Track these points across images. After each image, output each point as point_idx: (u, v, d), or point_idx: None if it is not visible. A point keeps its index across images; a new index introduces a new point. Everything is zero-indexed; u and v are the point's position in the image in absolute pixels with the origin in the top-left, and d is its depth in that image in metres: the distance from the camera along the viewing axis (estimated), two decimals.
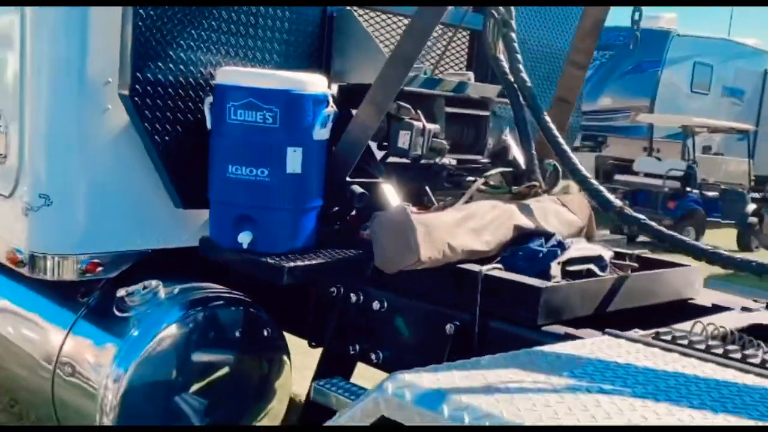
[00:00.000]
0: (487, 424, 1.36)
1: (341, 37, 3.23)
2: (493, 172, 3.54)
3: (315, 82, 2.82)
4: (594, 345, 2.09)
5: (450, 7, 3.24)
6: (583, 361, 1.86)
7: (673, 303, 3.06)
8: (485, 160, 3.71)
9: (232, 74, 2.82)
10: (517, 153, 3.57)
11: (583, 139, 18.39)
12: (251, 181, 2.73)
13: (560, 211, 3.25)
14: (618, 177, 13.80)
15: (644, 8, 3.74)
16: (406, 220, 2.65)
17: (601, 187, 3.06)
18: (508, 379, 1.62)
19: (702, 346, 2.24)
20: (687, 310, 3.00)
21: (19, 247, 3.04)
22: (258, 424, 3.26)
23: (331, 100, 2.87)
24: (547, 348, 2.01)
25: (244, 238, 2.76)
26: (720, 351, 2.21)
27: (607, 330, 2.37)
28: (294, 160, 2.72)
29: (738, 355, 2.19)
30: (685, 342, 2.28)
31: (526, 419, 1.38)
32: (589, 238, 3.44)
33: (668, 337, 2.33)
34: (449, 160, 3.57)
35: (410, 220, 2.64)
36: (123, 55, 2.79)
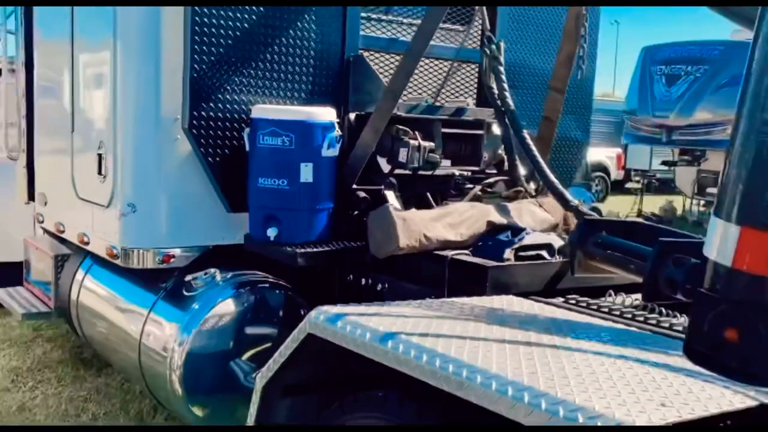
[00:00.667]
0: (358, 331, 2.15)
1: (356, 76, 4.08)
2: (490, 180, 4.30)
3: (323, 114, 3.69)
4: (495, 300, 2.82)
5: (434, 43, 4.02)
6: (466, 304, 2.60)
7: (630, 284, 3.68)
8: (492, 171, 4.45)
9: (261, 110, 3.73)
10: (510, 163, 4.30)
11: (681, 153, 18.41)
12: (275, 189, 3.62)
13: (535, 211, 3.94)
14: (709, 190, 13.91)
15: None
16: (388, 215, 3.45)
17: (563, 189, 3.75)
18: (397, 311, 2.40)
19: (595, 307, 2.92)
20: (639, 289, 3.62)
21: (114, 244, 4.06)
22: None
23: (336, 126, 3.72)
24: (454, 299, 2.76)
25: (271, 233, 3.64)
26: (606, 309, 2.88)
27: (531, 296, 3.09)
28: (306, 172, 3.59)
29: (618, 312, 2.85)
30: (584, 305, 2.97)
31: (390, 329, 2.15)
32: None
33: (573, 301, 3.02)
34: (457, 171, 4.32)
35: (391, 215, 3.44)
36: (184, 99, 3.75)
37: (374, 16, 4.29)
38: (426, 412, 2.28)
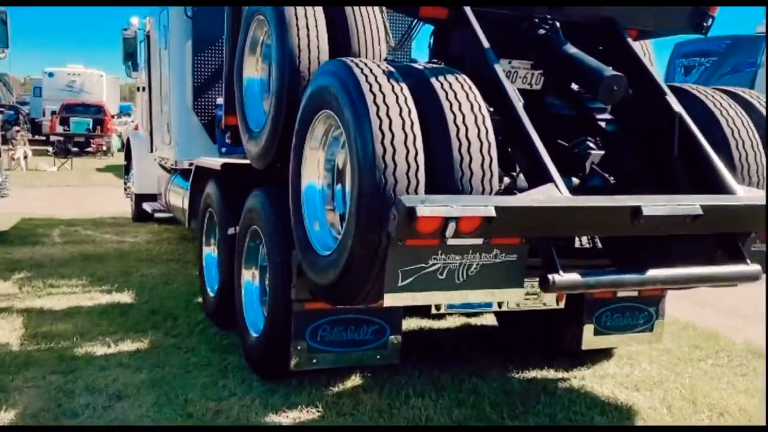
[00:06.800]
0: (201, 160, 7.37)
1: None
2: None
3: None
4: None
5: None
6: None
7: None
8: None
9: (220, 99, 9.04)
10: None
11: None
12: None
13: None
14: None
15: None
16: None
17: None
18: (219, 158, 7.62)
19: None
20: None
21: (174, 160, 9.56)
22: None
23: None
24: None
25: (224, 150, 8.95)
26: None
27: None
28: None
29: None
30: None
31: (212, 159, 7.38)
32: None
33: None
34: None
35: None
36: (192, 95, 9.14)
37: None
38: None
